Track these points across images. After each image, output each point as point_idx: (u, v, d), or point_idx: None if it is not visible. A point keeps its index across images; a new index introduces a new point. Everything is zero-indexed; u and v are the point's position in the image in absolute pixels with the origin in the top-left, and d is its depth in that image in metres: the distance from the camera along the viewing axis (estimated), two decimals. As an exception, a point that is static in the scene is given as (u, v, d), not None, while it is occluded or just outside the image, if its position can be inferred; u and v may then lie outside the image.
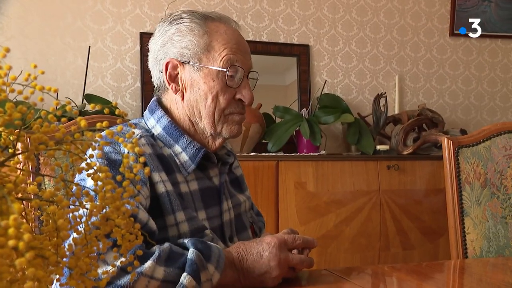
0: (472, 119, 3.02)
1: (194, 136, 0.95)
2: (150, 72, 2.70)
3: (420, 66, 2.94)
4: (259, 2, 2.67)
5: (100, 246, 0.36)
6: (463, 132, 2.56)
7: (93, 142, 0.34)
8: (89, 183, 0.80)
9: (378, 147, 2.54)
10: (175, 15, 0.95)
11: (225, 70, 0.90)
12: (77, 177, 0.80)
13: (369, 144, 2.53)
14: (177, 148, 0.92)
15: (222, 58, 0.90)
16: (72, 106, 2.17)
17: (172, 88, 0.94)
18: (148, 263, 0.69)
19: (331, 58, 2.79)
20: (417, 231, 2.41)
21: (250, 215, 1.08)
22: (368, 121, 2.68)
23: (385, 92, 2.70)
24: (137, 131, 0.90)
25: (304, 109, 2.59)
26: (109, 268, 0.67)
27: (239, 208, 1.02)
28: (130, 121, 0.98)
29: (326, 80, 2.76)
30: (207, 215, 0.92)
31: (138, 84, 2.49)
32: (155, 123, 0.94)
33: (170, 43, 0.93)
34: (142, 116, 0.99)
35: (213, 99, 0.91)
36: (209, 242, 0.78)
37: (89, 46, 2.37)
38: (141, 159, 0.35)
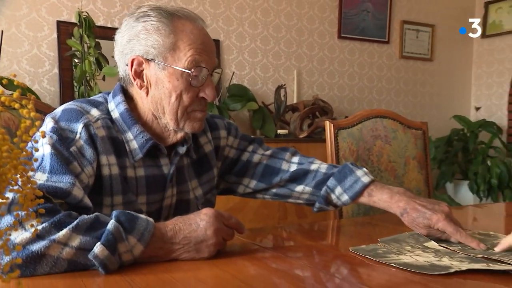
0: (355, 109, 3.21)
1: (155, 129, 0.91)
2: (67, 59, 2.53)
3: (315, 63, 3.08)
4: (174, -2, 2.62)
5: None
6: (347, 119, 2.73)
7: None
8: (46, 150, 0.76)
9: (279, 131, 2.63)
10: (142, 12, 0.87)
11: (189, 71, 0.85)
12: (31, 145, 0.71)
13: (271, 129, 2.62)
14: (129, 135, 0.87)
15: (187, 58, 0.85)
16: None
17: (137, 84, 0.88)
18: (63, 231, 0.66)
19: (239, 52, 2.82)
20: (310, 202, 2.56)
21: (203, 201, 1.01)
22: (271, 109, 2.76)
23: (285, 84, 2.79)
24: (96, 113, 0.86)
25: (215, 97, 2.61)
26: (25, 232, 0.65)
27: (187, 195, 0.98)
28: (96, 97, 0.92)
29: (234, 72, 2.79)
30: (147, 200, 0.90)
31: (56, 70, 2.33)
32: (114, 107, 0.89)
33: (136, 40, 0.86)
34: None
35: (177, 97, 0.86)
36: (140, 215, 0.73)
37: (2, 31, 2.16)
38: (39, 128, 0.35)
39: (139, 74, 0.88)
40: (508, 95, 3.49)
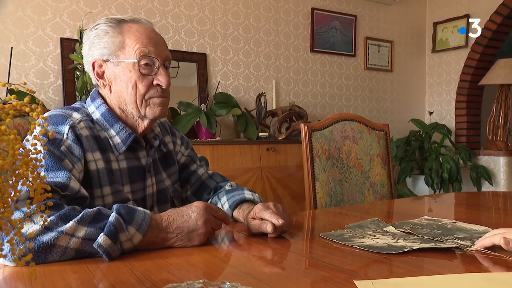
0: (327, 114, 3.24)
1: (126, 121, 0.90)
2: (70, 71, 2.50)
3: (291, 73, 3.09)
4: (165, 17, 2.60)
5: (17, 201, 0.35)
6: (320, 122, 2.75)
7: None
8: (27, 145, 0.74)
9: (260, 134, 2.63)
10: (95, 23, 0.90)
11: (137, 61, 0.86)
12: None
13: (253, 132, 2.61)
14: (112, 132, 0.88)
15: (135, 51, 0.85)
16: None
17: (101, 84, 0.90)
18: (70, 223, 0.66)
19: (224, 64, 2.82)
20: (289, 197, 2.54)
21: (172, 190, 1.02)
22: (253, 114, 2.76)
23: (265, 92, 2.80)
24: (78, 116, 0.85)
25: (203, 104, 2.60)
26: (34, 225, 0.64)
27: (163, 184, 0.98)
28: (73, 105, 0.92)
29: (219, 82, 2.78)
30: (131, 189, 0.90)
31: (60, 82, 2.29)
32: (95, 109, 0.90)
33: (93, 46, 0.89)
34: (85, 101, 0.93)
35: (133, 87, 0.86)
36: (138, 208, 0.73)
37: (11, 47, 2.12)
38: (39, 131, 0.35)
39: (101, 75, 0.90)
40: (455, 102, 3.58)
